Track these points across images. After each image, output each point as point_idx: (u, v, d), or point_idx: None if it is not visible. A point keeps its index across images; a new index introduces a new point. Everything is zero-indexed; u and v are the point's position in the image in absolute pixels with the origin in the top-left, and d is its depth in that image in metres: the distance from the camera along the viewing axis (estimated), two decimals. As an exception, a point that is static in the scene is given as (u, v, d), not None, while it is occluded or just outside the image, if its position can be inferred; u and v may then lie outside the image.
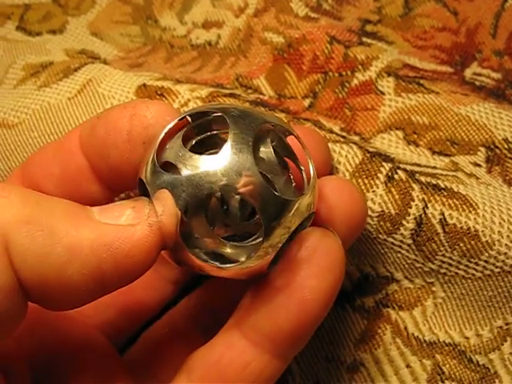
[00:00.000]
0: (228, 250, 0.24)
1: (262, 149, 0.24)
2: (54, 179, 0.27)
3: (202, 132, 0.25)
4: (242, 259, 0.24)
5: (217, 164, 0.22)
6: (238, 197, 0.24)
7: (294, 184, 0.25)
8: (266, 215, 0.22)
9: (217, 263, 0.24)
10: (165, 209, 0.22)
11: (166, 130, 0.24)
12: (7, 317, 0.21)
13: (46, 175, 0.28)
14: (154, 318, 0.32)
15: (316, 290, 0.24)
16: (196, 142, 0.25)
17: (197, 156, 0.22)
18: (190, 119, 0.24)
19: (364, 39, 0.37)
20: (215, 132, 0.25)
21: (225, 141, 0.22)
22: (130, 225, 0.21)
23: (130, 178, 0.25)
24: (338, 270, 0.24)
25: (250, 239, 0.25)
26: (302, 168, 0.25)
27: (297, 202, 0.23)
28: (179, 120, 0.24)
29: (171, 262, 0.25)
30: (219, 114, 0.23)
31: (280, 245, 0.23)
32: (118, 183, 0.26)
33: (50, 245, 0.20)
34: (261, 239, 0.23)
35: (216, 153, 0.22)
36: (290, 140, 0.25)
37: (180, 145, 0.23)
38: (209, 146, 0.25)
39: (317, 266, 0.24)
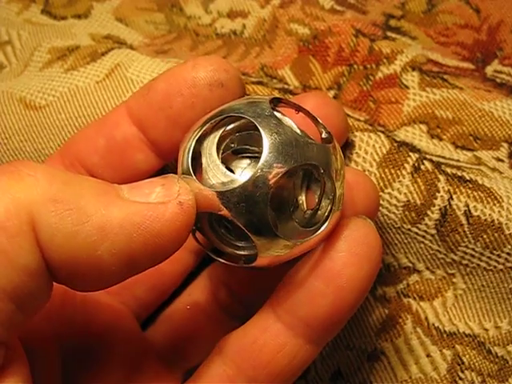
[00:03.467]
0: (229, 250, 0.26)
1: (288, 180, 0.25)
2: (100, 151, 0.28)
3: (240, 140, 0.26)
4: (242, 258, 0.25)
5: (239, 192, 0.22)
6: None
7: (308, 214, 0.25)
8: (260, 248, 0.23)
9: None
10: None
11: (211, 121, 0.24)
12: (32, 298, 0.20)
13: (90, 149, 0.28)
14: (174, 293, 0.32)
15: (353, 278, 0.24)
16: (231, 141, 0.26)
17: (223, 169, 0.23)
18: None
19: (388, 33, 0.37)
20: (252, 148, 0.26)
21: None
22: (160, 203, 0.21)
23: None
24: (375, 259, 0.25)
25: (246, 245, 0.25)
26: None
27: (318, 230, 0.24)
28: (224, 117, 0.24)
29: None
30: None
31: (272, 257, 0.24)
32: (172, 141, 0.26)
33: (78, 224, 0.20)
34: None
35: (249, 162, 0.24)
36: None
37: (214, 143, 0.24)
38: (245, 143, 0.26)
39: (355, 255, 0.24)
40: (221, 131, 0.24)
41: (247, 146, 0.25)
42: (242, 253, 0.25)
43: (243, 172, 0.24)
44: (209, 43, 0.38)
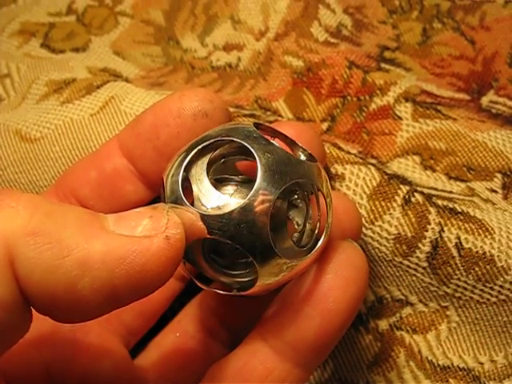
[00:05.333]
0: (221, 278, 0.25)
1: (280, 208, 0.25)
2: (91, 183, 0.28)
3: (230, 154, 0.26)
4: (234, 287, 0.25)
5: (232, 216, 0.22)
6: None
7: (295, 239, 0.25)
8: (263, 271, 0.23)
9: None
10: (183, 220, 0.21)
11: (198, 147, 0.24)
12: (7, 331, 0.20)
13: (82, 181, 0.28)
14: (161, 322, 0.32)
15: (340, 301, 0.24)
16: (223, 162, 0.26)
17: (213, 191, 0.23)
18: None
19: (382, 65, 0.37)
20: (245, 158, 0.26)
21: (246, 182, 0.24)
22: (146, 236, 0.20)
23: None
24: (362, 280, 0.25)
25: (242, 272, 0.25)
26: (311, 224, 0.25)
27: (295, 262, 0.23)
28: (213, 141, 0.24)
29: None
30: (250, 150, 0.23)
31: (272, 282, 0.23)
32: (160, 172, 0.26)
33: (58, 258, 0.19)
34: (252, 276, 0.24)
35: (238, 187, 0.24)
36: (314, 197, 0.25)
37: (204, 169, 0.24)
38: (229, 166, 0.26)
39: (341, 277, 0.24)
40: (209, 156, 0.24)
41: (226, 176, 0.25)
42: (237, 280, 0.25)
43: (232, 196, 0.24)
44: (204, 76, 0.38)
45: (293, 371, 0.25)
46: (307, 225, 0.25)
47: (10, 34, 0.41)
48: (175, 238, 0.21)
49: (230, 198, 0.23)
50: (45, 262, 0.19)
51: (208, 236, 0.22)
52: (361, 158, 0.32)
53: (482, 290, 0.30)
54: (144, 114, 0.28)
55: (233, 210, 0.22)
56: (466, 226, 0.30)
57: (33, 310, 0.21)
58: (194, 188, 0.23)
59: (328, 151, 0.32)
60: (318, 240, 0.24)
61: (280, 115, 0.36)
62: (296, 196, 0.25)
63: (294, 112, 0.36)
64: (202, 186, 0.23)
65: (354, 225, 0.28)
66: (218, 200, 0.23)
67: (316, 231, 0.24)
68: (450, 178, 0.33)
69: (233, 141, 0.23)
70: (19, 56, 0.39)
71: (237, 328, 0.30)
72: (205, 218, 0.22)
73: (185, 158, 0.23)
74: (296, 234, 0.25)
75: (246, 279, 0.25)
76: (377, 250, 0.31)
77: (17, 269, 0.19)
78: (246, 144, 0.23)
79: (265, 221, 0.22)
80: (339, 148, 0.32)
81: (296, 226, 0.25)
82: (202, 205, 0.23)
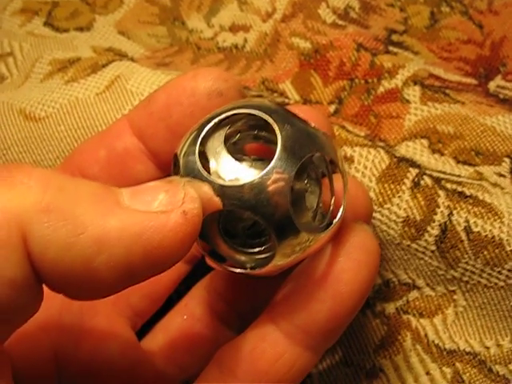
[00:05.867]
0: (236, 256, 0.25)
1: (299, 180, 0.24)
2: (100, 162, 0.27)
3: (245, 130, 0.25)
4: (248, 265, 0.24)
5: (252, 186, 0.21)
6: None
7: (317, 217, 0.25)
8: (280, 244, 0.22)
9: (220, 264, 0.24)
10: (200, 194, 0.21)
11: (215, 120, 0.23)
12: (17, 310, 0.19)
13: (91, 160, 0.28)
14: (167, 304, 0.31)
15: (351, 283, 0.24)
16: (237, 139, 0.25)
17: (232, 160, 0.22)
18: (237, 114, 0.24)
19: (390, 48, 0.37)
20: (260, 135, 0.25)
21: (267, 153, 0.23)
22: (163, 212, 0.20)
23: None
24: (374, 263, 0.25)
25: (259, 248, 0.25)
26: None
27: (312, 238, 0.23)
28: (229, 114, 0.23)
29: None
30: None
31: (288, 260, 0.23)
32: (172, 152, 0.25)
33: (73, 236, 0.19)
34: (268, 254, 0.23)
35: (253, 162, 0.23)
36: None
37: (222, 143, 0.23)
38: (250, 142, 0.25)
39: (352, 260, 0.24)
40: (226, 129, 0.23)
41: (239, 155, 0.25)
42: (252, 257, 0.25)
43: (251, 168, 0.23)
44: (210, 57, 0.38)
45: (303, 354, 0.25)
46: (321, 203, 0.25)
47: (12, 12, 0.40)
48: (192, 212, 0.20)
49: (249, 169, 0.22)
50: (60, 239, 0.19)
51: (227, 208, 0.21)
52: (370, 141, 0.32)
53: (489, 274, 0.30)
54: (156, 93, 0.27)
55: (253, 180, 0.21)
56: (475, 209, 0.30)
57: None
58: (212, 160, 0.23)
59: (337, 133, 0.31)
60: (334, 218, 0.24)
61: (287, 97, 0.35)
62: (312, 172, 0.25)
63: (300, 94, 0.36)
64: (220, 158, 0.23)
65: (365, 209, 0.28)
66: (238, 171, 0.22)
67: (331, 208, 0.24)
68: (458, 161, 0.33)
69: (250, 114, 0.23)
70: (22, 34, 0.39)
71: (244, 311, 0.30)
72: (224, 189, 0.21)
73: (200, 131, 0.23)
74: (312, 211, 0.24)
75: (262, 256, 0.24)
76: (385, 233, 0.30)
77: (30, 246, 0.19)
78: (264, 116, 0.22)
79: (286, 191, 0.21)
80: (348, 130, 0.32)
81: (312, 204, 0.25)
82: (220, 177, 0.22)
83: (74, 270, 0.19)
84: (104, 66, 0.35)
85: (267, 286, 0.27)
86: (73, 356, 0.27)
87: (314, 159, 0.23)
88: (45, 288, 0.20)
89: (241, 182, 0.21)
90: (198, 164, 0.22)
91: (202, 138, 0.23)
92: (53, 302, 0.21)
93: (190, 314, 0.30)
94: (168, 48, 0.39)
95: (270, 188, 0.21)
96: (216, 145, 0.23)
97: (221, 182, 0.22)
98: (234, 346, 0.26)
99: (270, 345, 0.25)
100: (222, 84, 0.26)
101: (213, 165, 0.23)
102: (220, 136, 0.23)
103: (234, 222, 0.24)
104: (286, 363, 0.25)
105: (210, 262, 0.25)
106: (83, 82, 0.34)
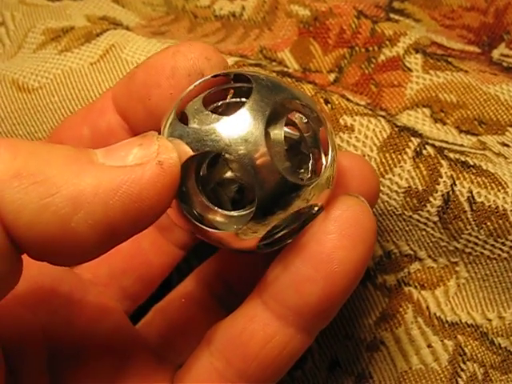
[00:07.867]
0: (216, 218, 0.23)
1: (276, 126, 0.23)
2: (84, 140, 0.27)
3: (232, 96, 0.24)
4: (230, 229, 0.23)
5: (226, 125, 0.21)
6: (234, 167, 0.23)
7: (301, 170, 0.24)
8: (260, 190, 0.21)
9: (200, 225, 0.22)
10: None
11: (195, 83, 0.23)
12: None
13: (75, 137, 0.27)
14: (164, 287, 0.31)
15: (345, 262, 0.22)
16: (222, 104, 0.24)
17: (210, 114, 0.22)
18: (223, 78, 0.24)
19: (391, 15, 0.36)
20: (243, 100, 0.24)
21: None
22: (138, 164, 0.20)
23: None
24: (369, 239, 0.23)
25: (241, 210, 0.23)
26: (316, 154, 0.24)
27: (303, 188, 0.22)
28: (212, 77, 0.23)
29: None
30: (249, 78, 0.22)
31: (272, 225, 0.22)
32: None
33: (47, 197, 0.18)
34: (251, 212, 0.22)
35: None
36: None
37: (200, 101, 0.23)
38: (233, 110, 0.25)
39: (346, 237, 0.23)
40: (205, 93, 0.23)
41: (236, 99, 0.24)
42: (234, 218, 0.23)
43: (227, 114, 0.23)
44: (207, 25, 0.37)
45: (296, 336, 0.24)
46: (310, 160, 0.24)
47: (3, -19, 0.39)
48: (169, 162, 0.20)
49: (226, 116, 0.22)
50: (32, 202, 0.18)
51: (202, 150, 0.21)
52: (370, 110, 0.31)
53: (493, 245, 0.30)
54: (137, 70, 0.26)
55: (226, 119, 0.21)
56: (479, 179, 0.29)
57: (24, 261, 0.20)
58: (191, 120, 0.22)
59: (336, 102, 0.31)
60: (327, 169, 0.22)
61: (286, 66, 0.35)
62: (294, 125, 0.24)
63: (300, 63, 0.35)
64: (198, 114, 0.22)
65: (369, 190, 0.26)
66: (214, 121, 0.22)
67: (324, 164, 0.23)
68: (461, 131, 0.32)
69: (227, 74, 0.23)
70: (13, 3, 0.38)
71: (245, 295, 0.29)
72: (198, 131, 0.21)
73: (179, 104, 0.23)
74: (296, 162, 0.23)
75: (242, 213, 0.23)
76: (386, 204, 0.30)
77: (3, 214, 0.18)
78: (243, 72, 0.22)
79: (261, 129, 0.21)
80: (348, 99, 0.31)
81: (298, 156, 0.24)
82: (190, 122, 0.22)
83: (51, 232, 0.19)
84: (98, 34, 0.34)
85: (267, 265, 0.26)
86: (63, 337, 0.26)
87: (290, 106, 0.22)
88: (33, 269, 0.20)
89: (213, 125, 0.21)
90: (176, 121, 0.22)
91: (182, 104, 0.23)
92: (39, 282, 0.21)
93: (188, 297, 0.30)
94: (164, 16, 0.38)
95: (244, 125, 0.21)
96: (195, 104, 0.23)
97: (195, 125, 0.22)
98: (223, 327, 0.25)
99: (260, 326, 0.24)
100: (203, 63, 0.24)
101: (191, 119, 0.22)
102: (199, 99, 0.23)
103: (218, 192, 0.23)
104: (277, 346, 0.24)
105: (197, 229, 0.24)
106: (77, 52, 0.33)
